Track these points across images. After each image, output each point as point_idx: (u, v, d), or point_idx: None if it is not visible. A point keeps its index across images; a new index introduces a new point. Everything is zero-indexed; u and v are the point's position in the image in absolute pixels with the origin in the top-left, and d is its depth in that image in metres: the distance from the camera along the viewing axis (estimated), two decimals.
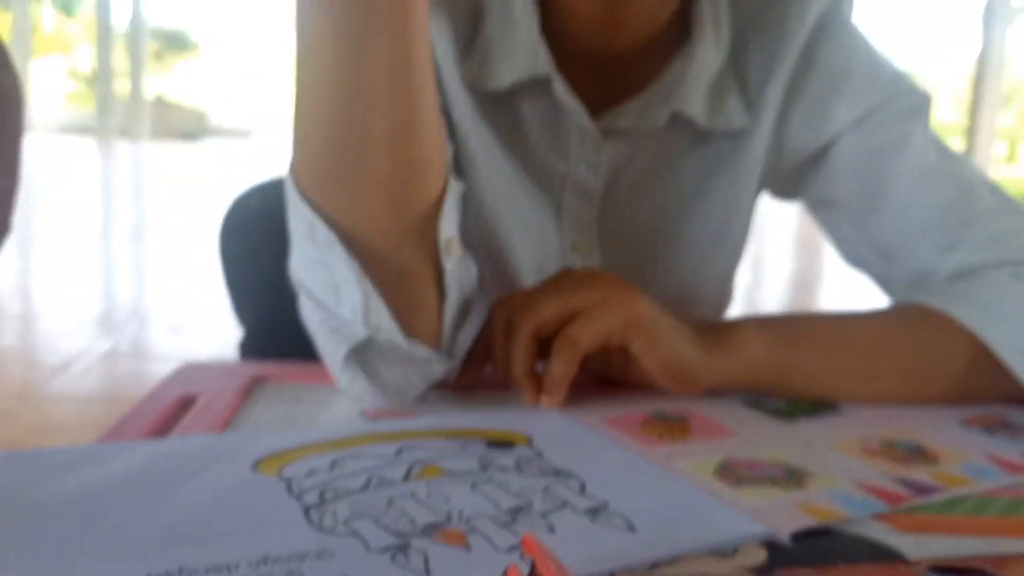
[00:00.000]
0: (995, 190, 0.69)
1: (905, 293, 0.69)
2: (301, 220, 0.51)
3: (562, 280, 0.57)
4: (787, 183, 0.76)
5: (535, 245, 0.73)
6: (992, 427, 0.56)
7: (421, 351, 0.53)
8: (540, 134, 0.71)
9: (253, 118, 24.60)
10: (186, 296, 3.81)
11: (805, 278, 6.10)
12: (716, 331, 0.58)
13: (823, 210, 0.75)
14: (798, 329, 0.61)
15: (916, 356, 0.60)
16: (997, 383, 0.59)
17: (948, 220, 0.67)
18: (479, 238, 0.71)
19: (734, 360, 0.57)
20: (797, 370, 0.59)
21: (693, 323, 0.58)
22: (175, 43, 26.20)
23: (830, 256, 6.98)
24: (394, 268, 0.51)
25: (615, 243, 0.74)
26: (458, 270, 0.55)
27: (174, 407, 0.50)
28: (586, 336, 0.53)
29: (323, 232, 0.49)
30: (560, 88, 0.67)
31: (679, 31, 0.69)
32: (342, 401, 0.54)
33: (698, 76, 0.68)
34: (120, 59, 15.35)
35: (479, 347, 0.59)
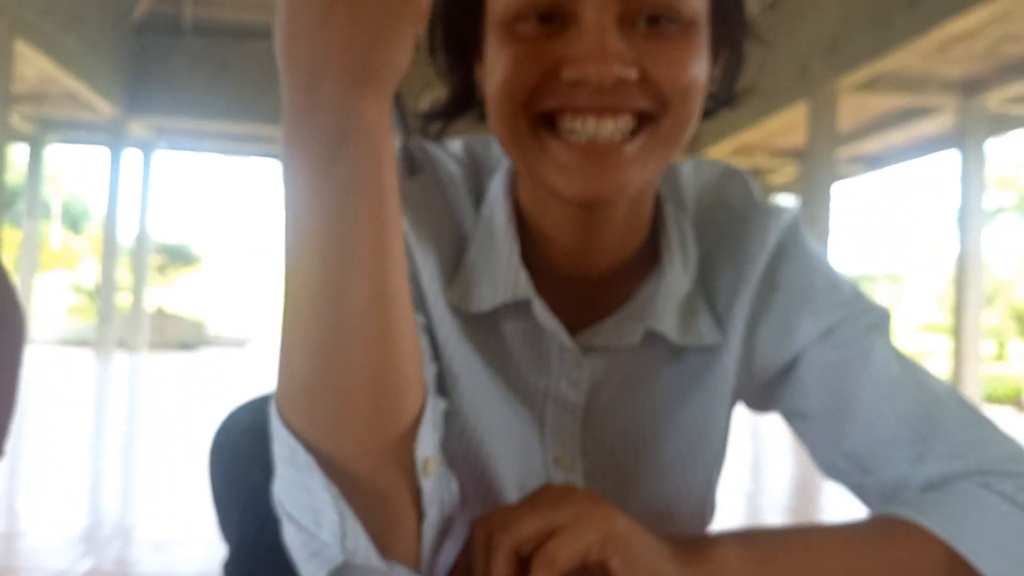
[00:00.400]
0: (958, 400, 0.72)
1: (880, 504, 0.71)
2: (283, 445, 0.54)
3: (540, 497, 0.58)
4: (760, 396, 0.79)
5: (518, 461, 0.75)
6: None
7: (399, 573, 0.54)
8: (522, 352, 0.75)
9: (250, 327, 24.93)
10: (174, 512, 3.75)
11: (806, 481, 6.01)
12: (693, 547, 0.59)
13: (797, 422, 0.77)
14: (774, 547, 0.61)
15: (891, 570, 0.61)
16: None
17: (916, 431, 0.69)
18: (463, 455, 0.73)
19: None
20: None
21: (670, 539, 0.59)
22: (178, 257, 26.96)
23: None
24: (373, 489, 0.53)
25: (597, 457, 0.76)
26: (437, 489, 0.57)
27: None
28: (564, 554, 0.54)
29: (303, 456, 0.52)
30: (540, 310, 0.71)
31: (650, 255, 0.75)
32: None
33: (668, 296, 0.73)
34: (123, 273, 15.75)
35: (460, 565, 0.59)
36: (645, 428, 0.77)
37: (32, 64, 10.35)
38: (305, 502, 0.53)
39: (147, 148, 15.36)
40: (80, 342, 16.74)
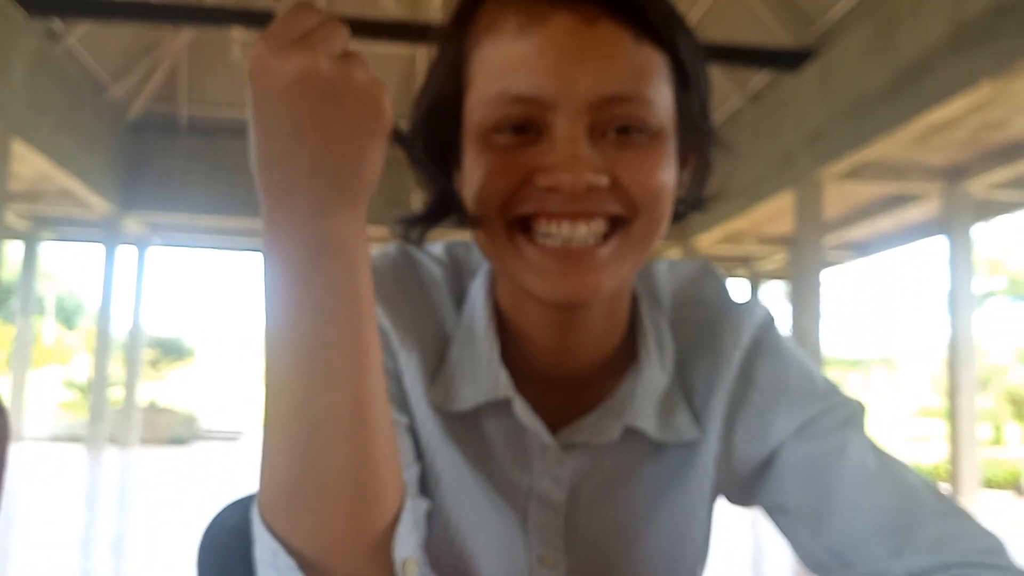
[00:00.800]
0: (935, 493, 0.72)
1: None
2: (264, 549, 0.54)
3: None
4: (740, 491, 0.80)
5: (502, 559, 0.75)
6: None
7: None
8: (504, 451, 0.75)
9: (243, 420, 24.71)
10: None
11: (807, 573, 5.90)
12: None
13: (777, 516, 0.77)
14: None
15: None
16: None
17: (895, 524, 0.69)
18: (447, 554, 0.74)
19: None
20: None
21: None
22: (171, 351, 26.85)
23: None
24: None
25: (580, 554, 0.76)
26: None
27: None
28: None
29: (284, 560, 0.53)
30: (520, 409, 0.72)
31: (628, 352, 0.76)
32: None
33: (646, 393, 0.74)
34: (116, 367, 15.67)
35: None
36: (627, 524, 0.77)
37: (28, 163, 10.50)
38: None
39: (141, 243, 15.48)
40: (72, 438, 16.54)
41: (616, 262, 0.66)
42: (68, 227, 15.34)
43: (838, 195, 10.39)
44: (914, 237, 12.81)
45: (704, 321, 0.80)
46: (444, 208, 0.72)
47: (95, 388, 14.21)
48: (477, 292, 0.76)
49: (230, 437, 22.30)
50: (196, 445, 18.56)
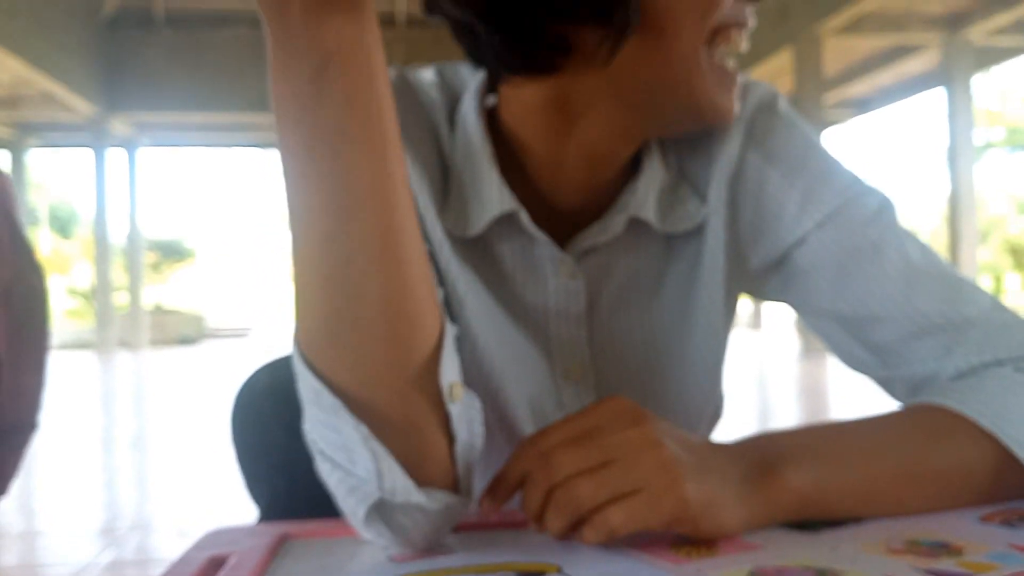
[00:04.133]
0: (979, 287, 0.70)
1: (910, 395, 0.70)
2: (307, 388, 0.52)
3: (600, 443, 0.53)
4: (760, 286, 0.78)
5: (528, 379, 0.75)
6: (1010, 521, 0.56)
7: (439, 501, 0.53)
8: (518, 271, 0.75)
9: (250, 317, 24.95)
10: (191, 500, 3.76)
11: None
12: (757, 481, 0.56)
13: (812, 318, 0.76)
14: (833, 455, 0.59)
15: (943, 464, 0.60)
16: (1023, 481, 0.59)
17: (942, 322, 0.68)
18: (474, 377, 0.73)
19: (778, 511, 0.56)
20: (835, 500, 0.57)
21: (733, 475, 0.55)
22: (171, 253, 26.90)
23: (836, 403, 6.89)
24: (402, 421, 0.52)
25: (606, 362, 0.77)
26: (465, 412, 0.55)
27: (205, 568, 0.50)
28: (625, 529, 0.51)
29: (328, 398, 0.50)
30: (526, 220, 0.71)
31: (631, 162, 0.75)
32: (370, 549, 0.54)
33: (648, 187, 0.73)
34: (118, 273, 15.72)
35: (501, 486, 0.56)
36: (648, 326, 0.77)
37: (4, 67, 10.27)
38: (337, 442, 0.52)
39: (130, 145, 15.28)
40: (81, 345, 16.72)
41: None
42: (54, 132, 15.11)
43: (836, 51, 10.19)
44: (914, 91, 12.64)
45: None
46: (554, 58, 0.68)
47: (99, 294, 14.29)
48: (468, 112, 0.74)
49: (239, 334, 22.56)
50: (205, 344, 18.79)
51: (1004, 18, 9.10)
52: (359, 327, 0.50)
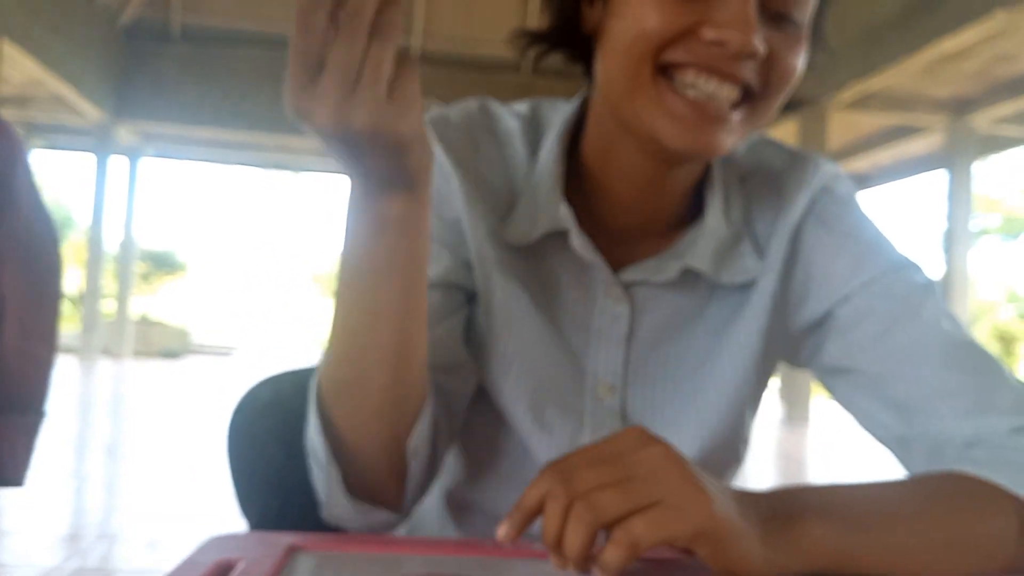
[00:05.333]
0: (1006, 366, 0.72)
1: (928, 460, 0.70)
2: (311, 408, 0.67)
3: (622, 462, 0.52)
4: (798, 345, 0.80)
5: (556, 389, 0.78)
6: None
7: (369, 514, 0.69)
8: (568, 284, 0.80)
9: (236, 337, 24.82)
10: (159, 513, 3.71)
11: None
12: (781, 525, 0.55)
13: (840, 379, 0.77)
14: (859, 513, 0.58)
15: (970, 531, 0.59)
16: None
17: (968, 386, 0.69)
18: (510, 387, 0.78)
19: (799, 557, 0.54)
20: (857, 557, 0.56)
21: (756, 514, 0.54)
22: (163, 265, 26.83)
23: (815, 470, 6.89)
24: (370, 461, 0.68)
25: (638, 383, 0.79)
26: (421, 465, 0.70)
27: (213, 572, 0.49)
28: (649, 540, 0.49)
29: (316, 422, 0.67)
30: (577, 240, 0.76)
31: (695, 209, 0.79)
32: (379, 566, 0.53)
33: (709, 239, 0.77)
34: (108, 280, 15.64)
35: (520, 511, 0.54)
36: (684, 359, 0.79)
37: (18, 66, 10.30)
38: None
39: (133, 154, 15.30)
40: (65, 349, 16.56)
41: (738, 131, 0.69)
42: (59, 135, 15.12)
43: (842, 125, 10.31)
44: (915, 170, 12.77)
45: (773, 171, 0.82)
46: (566, 35, 0.76)
47: (87, 300, 14.20)
48: (551, 143, 0.79)
49: (223, 352, 22.42)
50: (188, 359, 18.65)
51: (1008, 107, 9.24)
52: (360, 395, 0.66)
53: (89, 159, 14.17)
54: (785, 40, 0.68)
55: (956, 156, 9.96)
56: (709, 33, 0.65)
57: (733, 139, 0.69)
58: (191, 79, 13.47)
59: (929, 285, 0.75)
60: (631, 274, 0.78)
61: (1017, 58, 8.14)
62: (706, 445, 0.79)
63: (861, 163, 12.52)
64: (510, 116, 0.83)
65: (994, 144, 10.67)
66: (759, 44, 0.65)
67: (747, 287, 0.78)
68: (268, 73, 13.09)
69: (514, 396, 0.78)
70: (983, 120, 9.72)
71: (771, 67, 0.68)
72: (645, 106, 0.68)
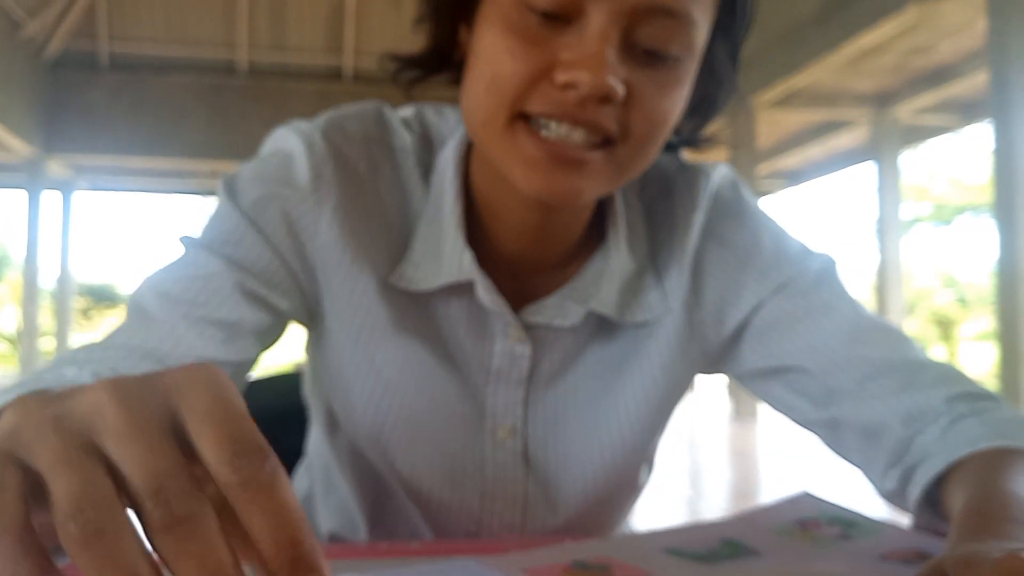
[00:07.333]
0: (910, 336, 0.75)
1: (860, 439, 0.71)
2: None
3: None
4: (717, 359, 0.80)
5: (452, 434, 0.76)
6: (909, 560, 0.59)
7: None
8: (465, 329, 0.75)
9: None
10: None
11: (744, 487, 6.10)
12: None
13: (764, 381, 0.78)
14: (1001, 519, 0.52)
15: None
16: None
17: (891, 365, 0.71)
18: (383, 432, 0.75)
19: None
20: None
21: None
22: (102, 298, 26.24)
23: (766, 465, 6.98)
24: None
25: (538, 424, 0.77)
26: None
27: None
28: None
29: None
30: (483, 291, 0.72)
31: (596, 235, 0.76)
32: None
33: (612, 277, 0.74)
34: (46, 318, 15.27)
35: None
36: (583, 397, 0.77)
37: None
38: None
39: (66, 188, 14.97)
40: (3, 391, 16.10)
41: (601, 174, 0.64)
42: None
43: (769, 124, 10.49)
44: (844, 164, 13.04)
45: (666, 179, 0.79)
46: (438, 60, 0.72)
47: (25, 339, 13.85)
48: (446, 166, 0.74)
49: None
50: None
51: (928, 98, 9.50)
52: None
53: (20, 195, 13.83)
54: (654, 80, 0.62)
55: (882, 148, 10.19)
56: (560, 75, 0.60)
57: (597, 185, 0.65)
58: (122, 108, 13.24)
59: (827, 270, 0.76)
60: (533, 315, 0.74)
61: (932, 50, 8.38)
62: (611, 478, 0.79)
63: (792, 159, 12.75)
64: (402, 127, 0.77)
65: (917, 134, 10.95)
66: (616, 85, 0.60)
67: (651, 323, 0.77)
68: (200, 98, 12.92)
69: (396, 443, 0.75)
70: (905, 111, 9.97)
71: (632, 110, 0.62)
72: (502, 151, 0.65)
